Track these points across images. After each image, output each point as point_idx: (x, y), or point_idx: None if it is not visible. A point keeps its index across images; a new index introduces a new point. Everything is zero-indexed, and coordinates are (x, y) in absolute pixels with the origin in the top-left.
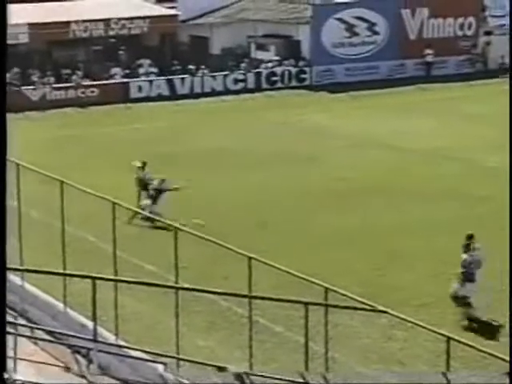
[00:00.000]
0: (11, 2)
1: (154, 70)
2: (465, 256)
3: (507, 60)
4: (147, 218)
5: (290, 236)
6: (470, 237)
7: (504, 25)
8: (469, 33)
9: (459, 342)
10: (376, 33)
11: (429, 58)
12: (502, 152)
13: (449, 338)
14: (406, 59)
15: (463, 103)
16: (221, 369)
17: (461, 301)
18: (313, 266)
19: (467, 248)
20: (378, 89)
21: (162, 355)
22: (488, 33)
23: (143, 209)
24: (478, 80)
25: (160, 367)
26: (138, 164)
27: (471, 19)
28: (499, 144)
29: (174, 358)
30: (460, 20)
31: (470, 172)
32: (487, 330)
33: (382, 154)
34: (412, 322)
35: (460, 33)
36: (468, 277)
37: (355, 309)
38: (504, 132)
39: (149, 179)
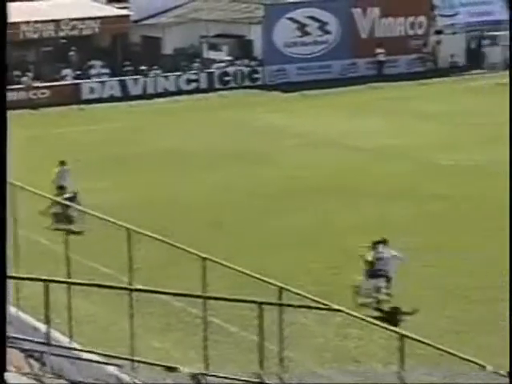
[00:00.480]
0: None
1: (106, 70)
2: (373, 253)
3: (457, 59)
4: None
5: (245, 236)
6: (380, 242)
7: (453, 24)
8: (419, 32)
9: (413, 339)
10: (328, 32)
11: (380, 57)
12: (454, 150)
13: (402, 336)
14: (358, 58)
15: (415, 102)
16: (174, 369)
17: (368, 293)
18: (268, 265)
19: (376, 245)
20: (330, 88)
21: (116, 357)
22: (438, 32)
23: None
24: (429, 79)
25: (115, 369)
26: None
27: (422, 18)
28: (451, 142)
29: (127, 359)
30: (411, 19)
31: (422, 170)
32: (392, 318)
33: (335, 153)
34: (366, 321)
35: (411, 32)
36: (377, 272)
37: (309, 308)
38: (455, 130)
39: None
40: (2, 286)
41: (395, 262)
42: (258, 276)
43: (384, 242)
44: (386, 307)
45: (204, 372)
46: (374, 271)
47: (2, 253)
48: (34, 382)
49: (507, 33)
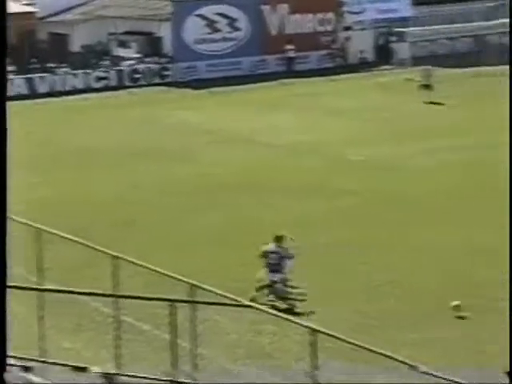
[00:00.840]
0: None
1: (12, 68)
2: (272, 247)
3: (366, 55)
4: None
5: (159, 234)
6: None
7: (361, 21)
8: (328, 28)
9: (326, 333)
10: (237, 29)
11: (290, 54)
12: (363, 145)
13: (314, 330)
14: (268, 55)
15: (325, 98)
16: (83, 369)
17: (269, 289)
18: (181, 263)
19: (278, 241)
20: (240, 84)
21: (25, 359)
22: (347, 28)
23: None
24: (339, 75)
25: (24, 371)
26: None
27: (330, 15)
28: (360, 138)
29: (36, 361)
30: (319, 16)
31: (332, 166)
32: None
33: (247, 150)
34: (278, 316)
35: (320, 28)
36: (275, 267)
37: (221, 304)
38: (364, 126)
39: None
40: (2, 287)
41: (290, 257)
42: (170, 274)
43: (281, 237)
44: (283, 305)
45: (116, 371)
46: (273, 266)
47: (2, 252)
48: (35, 382)
49: (414, 29)
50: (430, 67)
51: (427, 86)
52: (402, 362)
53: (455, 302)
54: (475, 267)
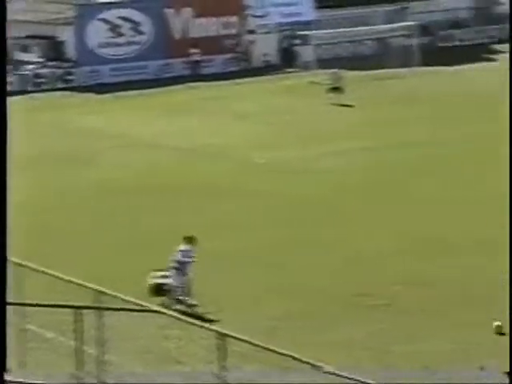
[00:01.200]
0: None
1: None
2: (181, 250)
3: (270, 58)
4: None
5: (63, 240)
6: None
7: (265, 24)
8: (233, 32)
9: (233, 337)
10: (141, 33)
11: (195, 57)
12: (267, 148)
13: (221, 334)
14: (173, 58)
15: (230, 101)
16: None
17: (167, 292)
18: (88, 269)
19: (188, 242)
20: (146, 88)
21: None
22: (251, 31)
23: None
24: (244, 78)
25: None
26: None
27: (234, 18)
28: (264, 141)
29: None
30: (223, 19)
31: (238, 169)
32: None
33: (153, 154)
34: (184, 321)
35: (224, 32)
36: (180, 271)
37: (126, 310)
38: (268, 129)
39: None
40: (2, 287)
41: (190, 260)
42: (75, 280)
43: (191, 238)
44: (188, 309)
45: (20, 380)
46: (178, 270)
47: (2, 252)
48: (35, 382)
49: (318, 32)
50: (338, 70)
51: (337, 89)
52: (306, 362)
53: (497, 323)
54: (383, 267)
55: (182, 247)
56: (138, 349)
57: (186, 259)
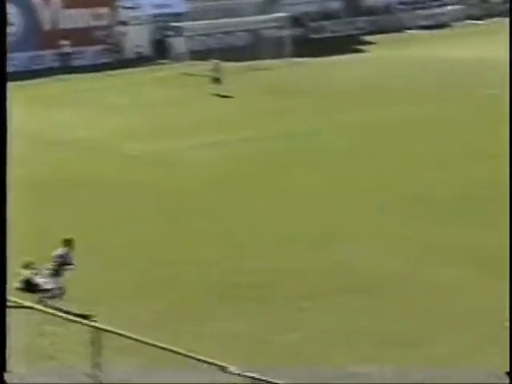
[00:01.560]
0: None
1: None
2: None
3: (143, 49)
4: None
5: None
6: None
7: (137, 16)
8: (104, 23)
9: (106, 330)
10: (10, 24)
11: (66, 49)
12: (139, 140)
13: (97, 329)
14: (43, 50)
15: (103, 93)
16: None
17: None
18: None
19: (66, 244)
20: (15, 81)
21: None
22: (123, 23)
23: None
24: (116, 70)
25: None
26: None
27: (105, 10)
28: (140, 133)
29: None
30: (94, 10)
31: (111, 161)
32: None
33: (27, 147)
34: (59, 316)
35: (95, 23)
36: (55, 272)
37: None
38: (141, 121)
39: None
40: (3, 287)
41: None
42: None
43: (69, 241)
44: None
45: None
46: (52, 270)
47: (3, 251)
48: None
49: (190, 24)
50: (218, 61)
51: (216, 80)
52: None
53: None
54: (263, 258)
55: (59, 251)
56: (13, 346)
57: (64, 261)
